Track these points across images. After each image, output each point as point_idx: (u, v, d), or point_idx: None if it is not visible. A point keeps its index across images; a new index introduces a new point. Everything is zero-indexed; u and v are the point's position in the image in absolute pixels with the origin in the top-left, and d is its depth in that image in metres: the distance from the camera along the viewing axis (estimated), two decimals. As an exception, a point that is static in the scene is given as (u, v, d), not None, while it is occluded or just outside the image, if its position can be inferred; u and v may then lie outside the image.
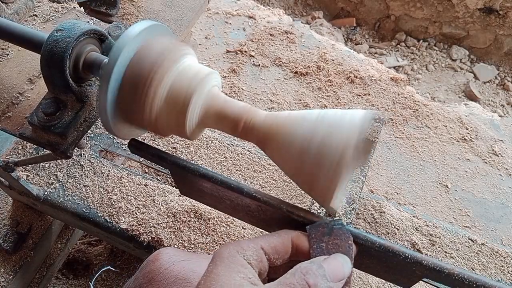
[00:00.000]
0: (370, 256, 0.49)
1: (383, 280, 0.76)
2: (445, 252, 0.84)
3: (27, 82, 0.63)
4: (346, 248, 0.45)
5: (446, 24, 2.38)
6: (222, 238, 0.81)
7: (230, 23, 1.23)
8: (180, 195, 0.85)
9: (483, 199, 0.93)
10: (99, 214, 0.82)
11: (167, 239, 0.80)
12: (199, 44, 1.17)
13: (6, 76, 0.63)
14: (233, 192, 0.51)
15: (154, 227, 0.81)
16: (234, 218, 0.82)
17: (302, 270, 0.39)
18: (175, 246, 0.80)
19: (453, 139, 1.02)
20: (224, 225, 0.82)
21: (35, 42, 0.56)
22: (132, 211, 0.83)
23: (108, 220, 0.82)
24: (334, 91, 1.08)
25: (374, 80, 1.10)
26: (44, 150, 0.83)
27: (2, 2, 0.68)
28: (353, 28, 2.52)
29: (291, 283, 0.38)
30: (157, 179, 0.92)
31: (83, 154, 0.89)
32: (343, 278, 0.41)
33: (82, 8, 0.75)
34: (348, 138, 0.44)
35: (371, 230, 0.85)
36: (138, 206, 0.84)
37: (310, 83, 1.09)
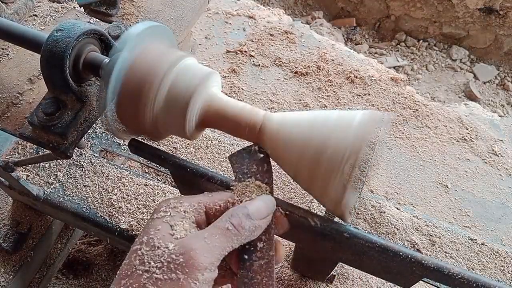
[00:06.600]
0: (370, 256, 0.49)
1: (383, 280, 0.76)
2: (445, 252, 0.84)
3: (27, 82, 0.63)
4: (264, 166, 0.48)
5: (446, 24, 2.38)
6: (222, 238, 0.81)
7: (230, 23, 1.23)
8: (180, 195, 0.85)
9: (483, 199, 0.93)
10: (99, 214, 0.82)
11: (167, 239, 0.80)
12: (199, 44, 1.17)
13: (6, 76, 0.63)
14: (233, 192, 0.51)
15: (154, 227, 0.81)
16: (234, 218, 0.82)
17: (228, 214, 0.43)
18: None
19: (453, 139, 1.02)
20: (224, 225, 0.82)
21: (35, 42, 0.56)
22: (132, 211, 0.83)
23: (108, 220, 0.82)
24: (334, 91, 1.08)
25: (374, 80, 1.10)
26: (44, 150, 0.83)
27: (2, 2, 0.68)
28: (353, 28, 2.52)
29: (219, 226, 0.41)
30: (157, 179, 0.92)
31: (83, 154, 0.89)
32: (267, 215, 0.45)
33: (82, 8, 0.75)
34: (347, 138, 0.44)
35: (371, 230, 0.85)
36: (138, 206, 0.84)
37: (310, 83, 1.09)
